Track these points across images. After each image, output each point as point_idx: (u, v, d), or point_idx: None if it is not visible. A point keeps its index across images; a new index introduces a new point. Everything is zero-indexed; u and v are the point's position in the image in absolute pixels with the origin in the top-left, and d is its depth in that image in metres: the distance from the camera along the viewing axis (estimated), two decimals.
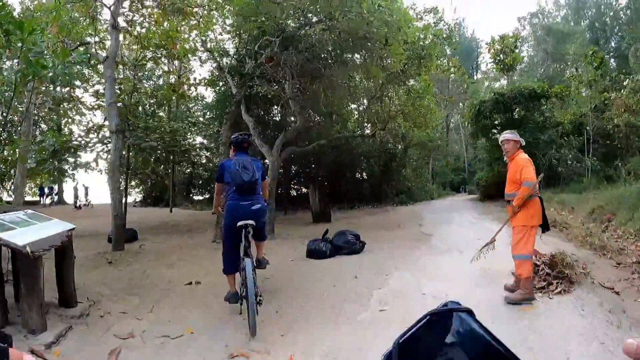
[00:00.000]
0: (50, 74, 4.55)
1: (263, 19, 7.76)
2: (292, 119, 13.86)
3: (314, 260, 6.05)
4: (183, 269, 5.71)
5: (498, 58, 14.87)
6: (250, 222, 3.49)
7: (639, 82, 10.12)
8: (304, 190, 18.20)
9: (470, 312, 0.64)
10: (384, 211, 14.36)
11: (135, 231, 8.61)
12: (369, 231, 8.72)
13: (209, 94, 19.24)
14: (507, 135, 4.01)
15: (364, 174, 19.99)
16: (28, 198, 18.98)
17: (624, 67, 14.53)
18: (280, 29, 8.16)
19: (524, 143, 3.99)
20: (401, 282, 4.72)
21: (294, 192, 19.13)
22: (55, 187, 22.00)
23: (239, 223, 3.46)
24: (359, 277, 5.00)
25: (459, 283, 4.47)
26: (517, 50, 15.40)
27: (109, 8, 7.86)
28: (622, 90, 9.61)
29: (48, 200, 20.83)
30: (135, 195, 23.29)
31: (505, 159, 4.12)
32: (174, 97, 14.49)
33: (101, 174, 18.69)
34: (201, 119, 18.62)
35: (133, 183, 21.78)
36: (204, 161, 20.88)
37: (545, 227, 3.90)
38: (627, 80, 10.63)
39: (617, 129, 10.81)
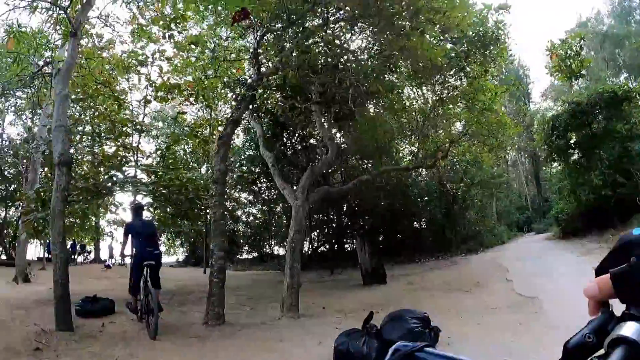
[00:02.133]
0: None
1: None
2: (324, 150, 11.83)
3: None
4: None
5: (563, 65, 12.40)
6: (152, 262, 5.18)
7: None
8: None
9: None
10: (452, 263, 11.55)
11: (112, 302, 6.44)
12: (438, 297, 6.21)
13: (238, 139, 16.57)
14: None
15: (423, 220, 17.16)
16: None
17: None
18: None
19: None
20: None
21: (348, 247, 16.15)
22: (92, 244, 21.68)
23: (145, 263, 5.15)
24: None
25: None
26: (583, 53, 12.90)
27: (65, 11, 6.48)
28: None
29: (80, 258, 19.92)
30: (180, 255, 22.69)
31: None
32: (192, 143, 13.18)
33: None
34: (241, 168, 16.50)
35: (178, 242, 21.58)
36: (245, 218, 19.75)
37: None
38: None
39: None
